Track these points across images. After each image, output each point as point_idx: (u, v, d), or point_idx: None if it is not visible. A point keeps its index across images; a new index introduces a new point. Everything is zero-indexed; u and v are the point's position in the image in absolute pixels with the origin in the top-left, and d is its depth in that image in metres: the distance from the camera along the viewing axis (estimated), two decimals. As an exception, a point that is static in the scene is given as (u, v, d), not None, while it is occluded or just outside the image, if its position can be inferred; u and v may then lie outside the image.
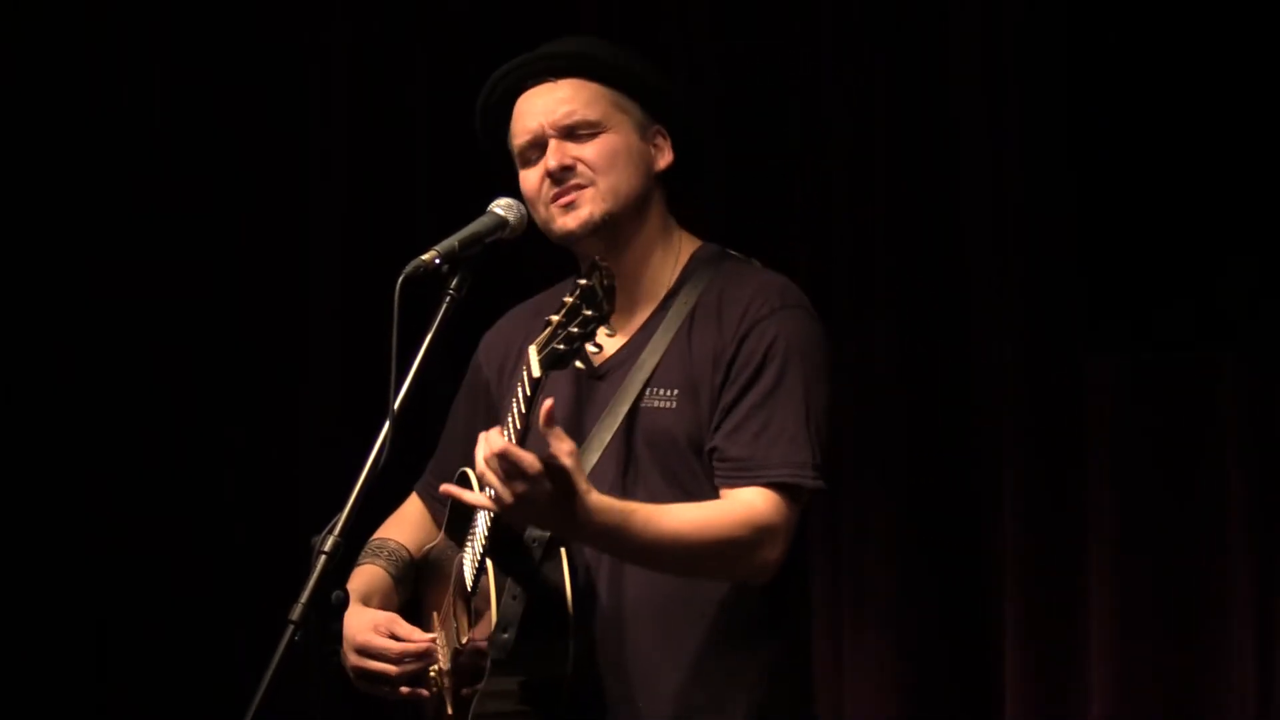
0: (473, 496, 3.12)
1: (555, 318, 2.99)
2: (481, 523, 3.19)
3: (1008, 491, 4.73)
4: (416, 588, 3.53)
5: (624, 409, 3.29)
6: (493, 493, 3.02)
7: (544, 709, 3.20)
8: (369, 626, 3.34)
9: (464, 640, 3.29)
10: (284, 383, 5.38)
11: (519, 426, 3.13)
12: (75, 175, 5.43)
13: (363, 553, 3.50)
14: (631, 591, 3.26)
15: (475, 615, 3.27)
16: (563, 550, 3.21)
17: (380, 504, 3.40)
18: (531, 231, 3.34)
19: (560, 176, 3.31)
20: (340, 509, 2.94)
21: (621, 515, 3.09)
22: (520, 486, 2.98)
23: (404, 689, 3.35)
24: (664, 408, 3.28)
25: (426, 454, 3.62)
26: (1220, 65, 4.56)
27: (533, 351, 2.96)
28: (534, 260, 3.53)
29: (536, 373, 2.96)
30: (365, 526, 3.41)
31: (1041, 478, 4.71)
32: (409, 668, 3.34)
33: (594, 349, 3.01)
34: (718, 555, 3.16)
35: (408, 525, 3.58)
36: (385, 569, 3.50)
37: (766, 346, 3.26)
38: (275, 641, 2.85)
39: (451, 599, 3.36)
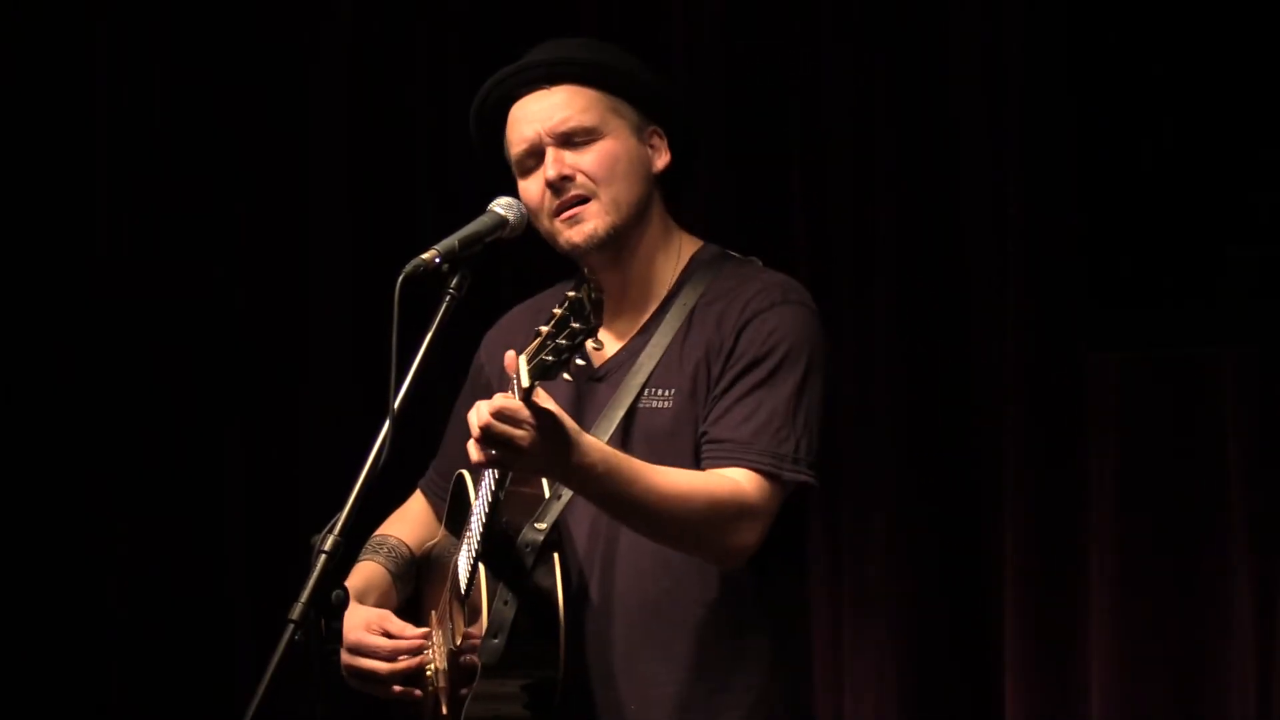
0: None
1: (544, 329, 2.99)
2: (476, 524, 3.19)
3: (1008, 491, 4.73)
4: (417, 585, 3.53)
5: (621, 410, 3.29)
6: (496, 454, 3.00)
7: (535, 713, 3.20)
8: (361, 624, 3.34)
9: (459, 641, 3.29)
10: (284, 383, 5.39)
11: None
12: (75, 175, 5.43)
13: (363, 549, 3.50)
14: (623, 595, 3.26)
15: (470, 615, 3.27)
16: (555, 555, 3.21)
17: (380, 503, 3.40)
18: (531, 231, 3.34)
19: (560, 187, 3.31)
20: (340, 509, 2.94)
21: (615, 458, 3.08)
22: (521, 431, 2.97)
23: (396, 688, 3.35)
24: (661, 408, 3.28)
25: (427, 453, 3.62)
26: (1220, 64, 4.56)
27: (522, 361, 2.96)
28: (534, 260, 3.53)
29: (526, 383, 2.96)
30: (365, 526, 3.41)
31: (1042, 477, 4.71)
32: (401, 666, 3.34)
33: (581, 361, 3.00)
34: (702, 520, 3.15)
35: (410, 522, 3.58)
36: (384, 565, 3.50)
37: (764, 338, 3.26)
38: (275, 641, 2.85)
39: (448, 598, 3.36)
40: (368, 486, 2.98)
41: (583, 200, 3.30)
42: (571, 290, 3.00)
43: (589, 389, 3.34)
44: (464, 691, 3.25)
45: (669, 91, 3.45)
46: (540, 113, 3.34)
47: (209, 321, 5.40)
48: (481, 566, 3.19)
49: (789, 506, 3.24)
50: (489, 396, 3.47)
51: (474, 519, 3.20)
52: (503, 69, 3.38)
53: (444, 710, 3.33)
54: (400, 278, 3.06)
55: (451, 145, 5.19)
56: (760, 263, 3.44)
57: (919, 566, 4.81)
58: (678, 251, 3.41)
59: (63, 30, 5.43)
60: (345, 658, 3.34)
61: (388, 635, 3.35)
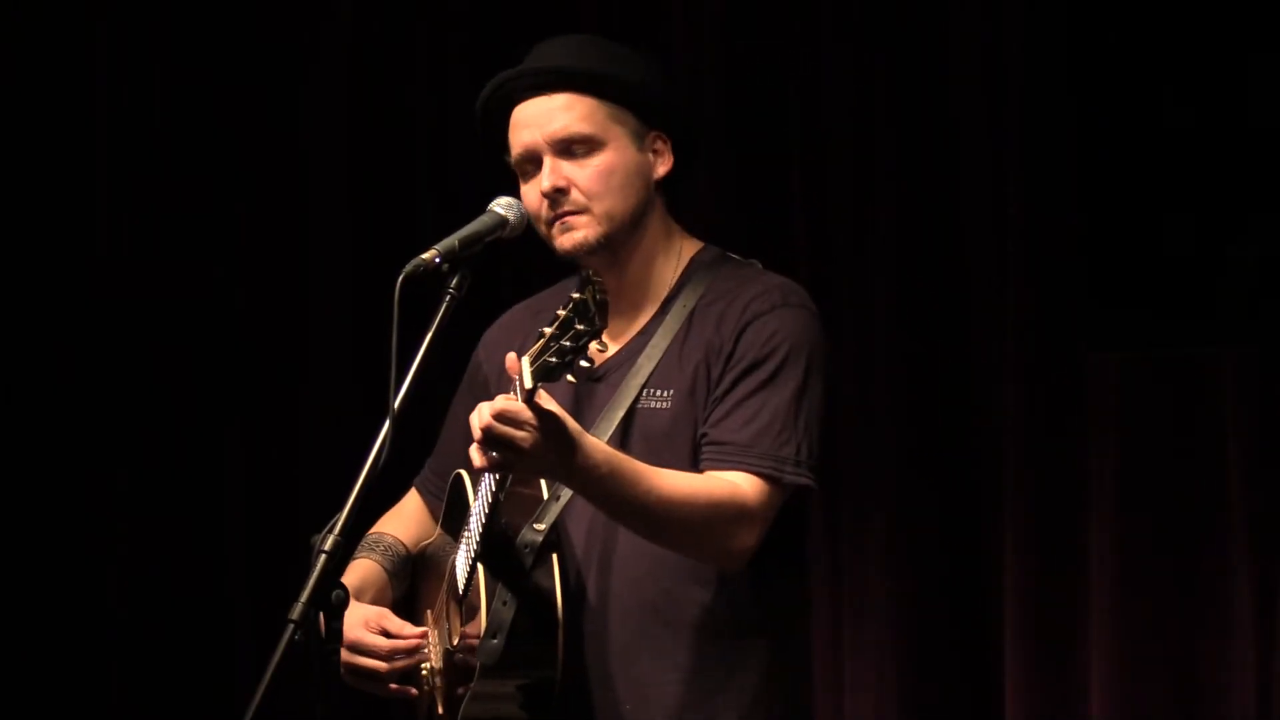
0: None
1: (548, 330, 2.98)
2: (475, 525, 3.19)
3: (1008, 491, 4.73)
4: (413, 583, 3.53)
5: (621, 411, 3.29)
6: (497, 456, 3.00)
7: (533, 713, 3.20)
8: (359, 622, 3.33)
9: (455, 640, 3.29)
10: (284, 383, 5.39)
11: None
12: (75, 175, 5.43)
13: (359, 546, 3.50)
14: (622, 596, 3.26)
15: (468, 615, 3.26)
16: (554, 556, 3.21)
17: (380, 503, 3.40)
18: (531, 231, 3.34)
19: (556, 199, 3.31)
20: (340, 509, 2.94)
21: (618, 459, 3.08)
22: (523, 433, 2.97)
23: (393, 686, 3.35)
24: (660, 408, 3.28)
25: (426, 453, 3.62)
26: (1221, 63, 4.56)
27: (525, 363, 2.96)
28: (534, 260, 3.53)
29: (529, 384, 2.95)
30: (365, 526, 3.42)
31: (1042, 477, 4.71)
32: (399, 664, 3.34)
33: (585, 363, 3.01)
34: (702, 523, 3.15)
35: (406, 520, 3.58)
36: (380, 563, 3.50)
37: (765, 340, 3.26)
38: (275, 641, 2.85)
39: (445, 598, 3.36)
40: (368, 486, 2.98)
41: (575, 212, 3.31)
42: (576, 291, 3.00)
43: (588, 389, 3.34)
44: (460, 691, 3.25)
45: (671, 97, 3.44)
46: (540, 119, 3.33)
47: (209, 321, 5.39)
48: (480, 567, 3.19)
49: (788, 508, 3.24)
50: (486, 395, 3.48)
51: (473, 519, 3.20)
52: (503, 72, 3.38)
53: (440, 709, 3.33)
54: (400, 278, 3.06)
55: (451, 145, 5.19)
56: (760, 265, 3.44)
57: (919, 566, 4.81)
58: (678, 253, 3.41)
59: (63, 30, 5.42)
60: (343, 655, 3.33)
61: (386, 634, 3.35)
